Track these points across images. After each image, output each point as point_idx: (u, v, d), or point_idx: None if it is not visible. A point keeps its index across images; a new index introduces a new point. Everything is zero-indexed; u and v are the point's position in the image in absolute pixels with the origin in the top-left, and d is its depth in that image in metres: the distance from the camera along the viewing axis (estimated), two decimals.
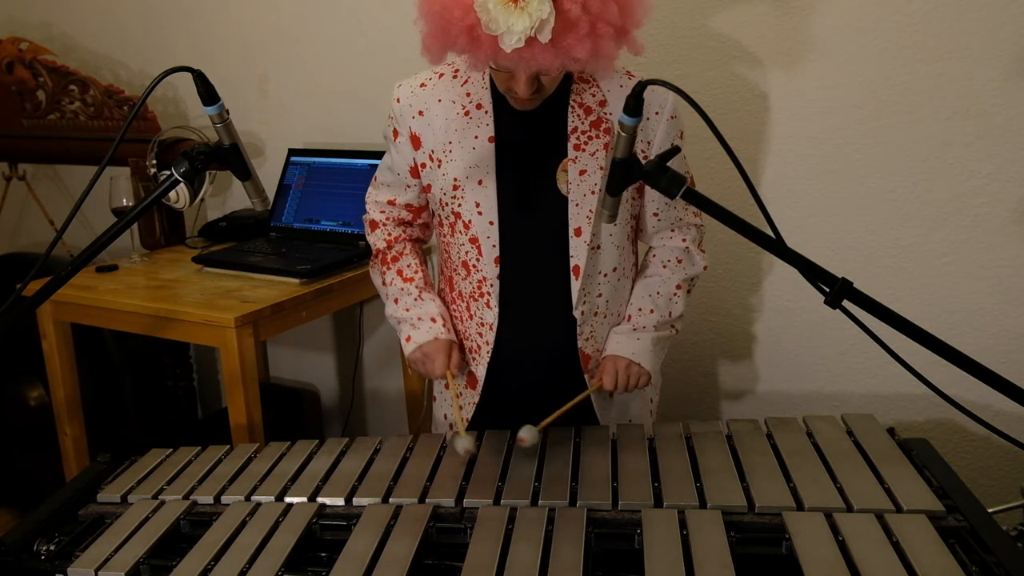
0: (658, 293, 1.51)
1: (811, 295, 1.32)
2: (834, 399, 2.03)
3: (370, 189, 1.61)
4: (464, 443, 1.31)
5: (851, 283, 1.08)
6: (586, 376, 1.51)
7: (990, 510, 1.16)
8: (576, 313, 1.45)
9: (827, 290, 1.09)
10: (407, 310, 1.53)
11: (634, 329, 1.50)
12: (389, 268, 1.58)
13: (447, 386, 1.49)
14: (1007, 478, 1.90)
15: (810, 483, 1.21)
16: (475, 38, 1.18)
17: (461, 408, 1.55)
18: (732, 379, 2.14)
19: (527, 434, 1.32)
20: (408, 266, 1.57)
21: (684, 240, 1.52)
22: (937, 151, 1.81)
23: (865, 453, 1.29)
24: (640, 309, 1.51)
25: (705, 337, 2.13)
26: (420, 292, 1.54)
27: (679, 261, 1.53)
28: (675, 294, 1.52)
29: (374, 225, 1.61)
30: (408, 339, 1.51)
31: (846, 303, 1.08)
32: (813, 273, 1.10)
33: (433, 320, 1.50)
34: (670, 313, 1.51)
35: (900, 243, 1.89)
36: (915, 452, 1.31)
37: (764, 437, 1.37)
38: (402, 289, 1.55)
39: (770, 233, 1.11)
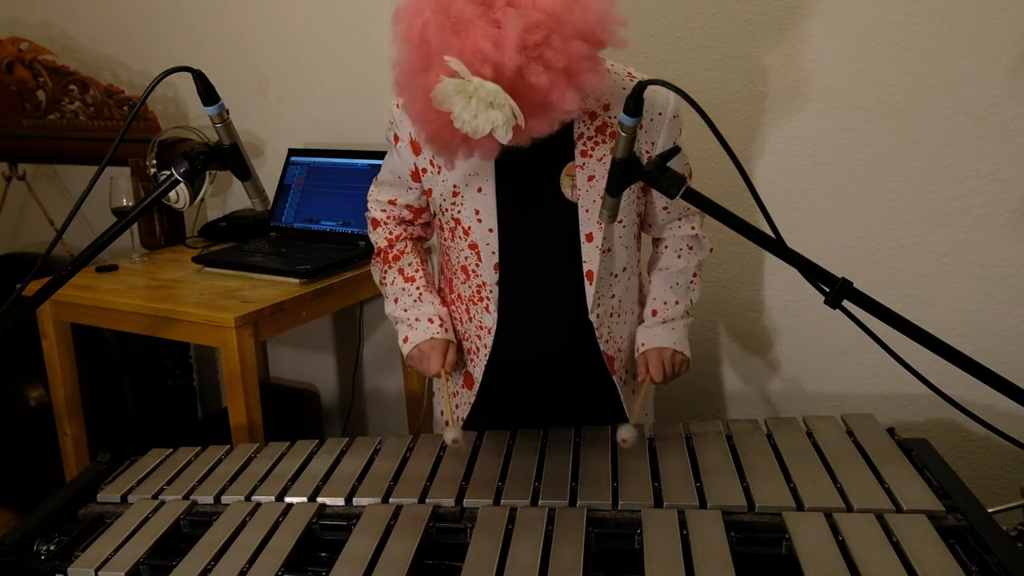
0: (678, 284, 1.55)
1: (811, 295, 1.32)
2: (834, 399, 2.03)
3: (372, 187, 1.60)
4: (451, 433, 1.32)
5: (851, 283, 1.08)
6: (615, 377, 1.52)
7: (990, 510, 1.16)
8: (592, 317, 1.46)
9: (827, 290, 1.08)
10: (405, 310, 1.53)
11: (664, 322, 1.53)
12: (390, 267, 1.58)
13: (446, 382, 1.50)
14: (1007, 478, 1.90)
15: (810, 483, 1.21)
16: (474, 144, 1.22)
17: (457, 407, 1.56)
18: (732, 379, 2.14)
19: (628, 433, 1.31)
20: (409, 265, 1.57)
21: (693, 227, 1.55)
22: (937, 151, 1.81)
23: (865, 453, 1.29)
24: (665, 303, 1.54)
25: (705, 337, 2.12)
26: (420, 293, 1.54)
27: (690, 248, 1.55)
28: (692, 281, 1.56)
29: (375, 223, 1.61)
30: (405, 339, 1.51)
31: (846, 303, 1.08)
32: (813, 273, 1.10)
33: (431, 321, 1.51)
34: (691, 301, 1.56)
35: (900, 243, 1.89)
36: (915, 452, 1.31)
37: (764, 437, 1.37)
38: (403, 289, 1.55)
39: (770, 233, 1.11)
